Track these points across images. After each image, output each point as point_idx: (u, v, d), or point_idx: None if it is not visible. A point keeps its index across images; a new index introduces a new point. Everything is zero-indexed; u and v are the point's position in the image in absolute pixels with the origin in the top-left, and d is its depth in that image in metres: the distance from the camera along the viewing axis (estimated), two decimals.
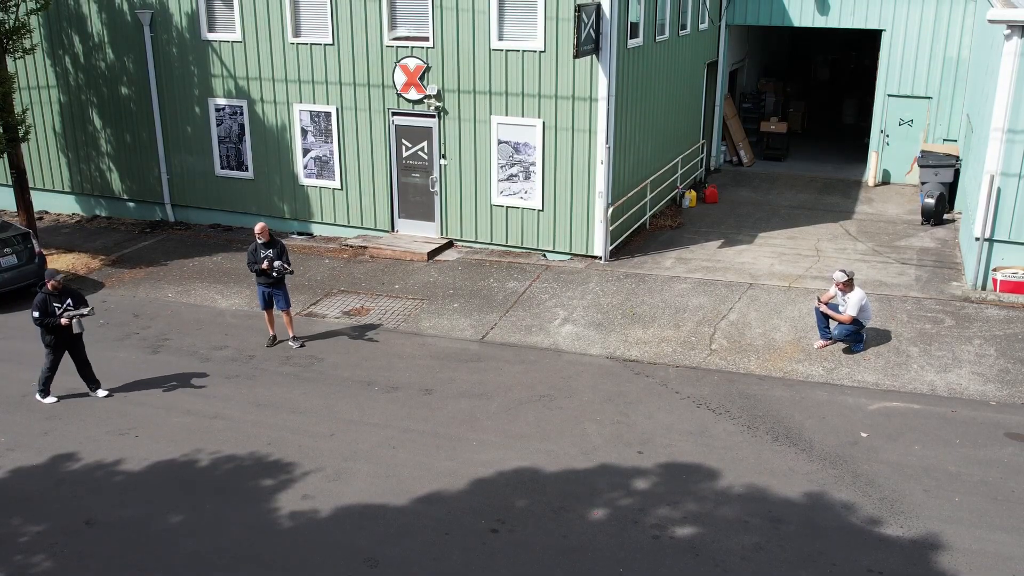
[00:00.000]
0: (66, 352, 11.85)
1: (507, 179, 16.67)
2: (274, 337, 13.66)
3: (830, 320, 12.87)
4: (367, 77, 17.14)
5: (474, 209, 17.12)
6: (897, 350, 12.82)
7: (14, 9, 16.73)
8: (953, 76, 21.00)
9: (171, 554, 8.81)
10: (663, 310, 14.42)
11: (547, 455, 10.36)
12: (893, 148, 22.12)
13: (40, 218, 19.83)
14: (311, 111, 17.83)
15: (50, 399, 11.89)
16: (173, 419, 11.46)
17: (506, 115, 16.35)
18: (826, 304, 12.83)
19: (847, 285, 12.66)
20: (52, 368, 11.83)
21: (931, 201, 18.54)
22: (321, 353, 13.32)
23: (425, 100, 16.79)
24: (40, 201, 20.22)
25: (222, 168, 19.01)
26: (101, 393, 12.05)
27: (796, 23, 22.38)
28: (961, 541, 8.70)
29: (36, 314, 11.40)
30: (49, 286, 11.49)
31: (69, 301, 11.57)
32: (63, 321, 11.41)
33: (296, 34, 17.49)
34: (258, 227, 13.30)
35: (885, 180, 22.39)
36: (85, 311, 11.61)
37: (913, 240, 17.75)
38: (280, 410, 11.63)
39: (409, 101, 16.95)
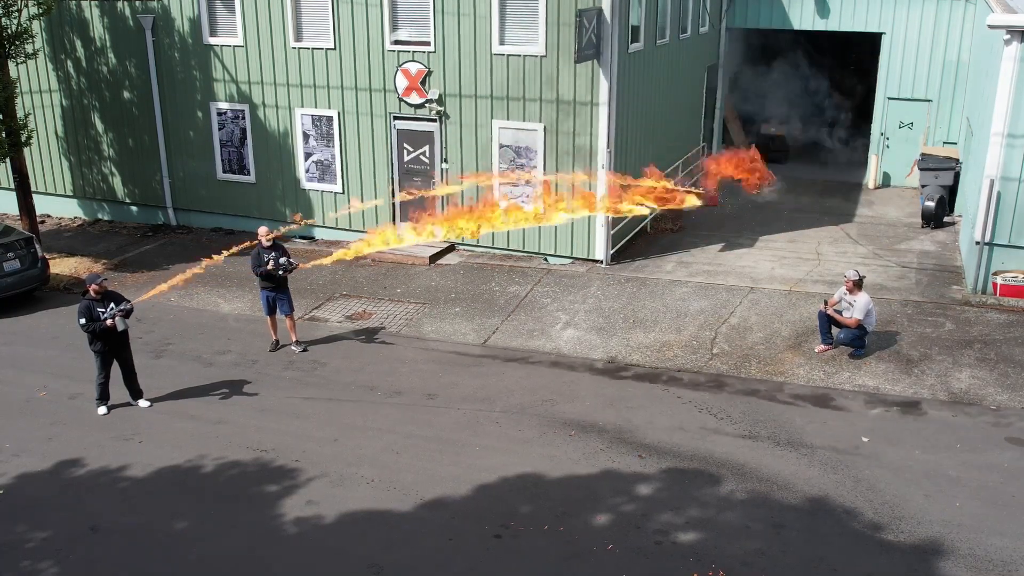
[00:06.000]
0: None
1: (508, 183, 16.71)
2: (277, 342, 13.71)
3: (832, 325, 12.91)
4: (369, 81, 17.19)
5: None
6: (897, 354, 12.86)
7: (16, 14, 16.77)
8: (953, 79, 21.05)
9: (176, 560, 8.86)
10: (664, 314, 14.47)
11: (550, 460, 10.41)
12: (893, 151, 22.17)
13: (42, 222, 19.87)
14: (313, 115, 17.88)
15: (102, 409, 11.84)
16: (177, 424, 11.50)
17: (507, 119, 16.41)
18: (832, 308, 12.87)
19: (856, 286, 12.67)
20: (105, 377, 11.74)
21: (931, 204, 18.59)
22: (324, 358, 13.36)
23: (426, 104, 16.84)
24: (42, 205, 20.25)
25: (224, 172, 19.06)
26: (143, 404, 12.00)
27: (796, 26, 22.45)
28: (962, 546, 8.75)
29: (83, 320, 11.33)
30: (91, 291, 11.42)
31: (112, 305, 11.49)
32: (108, 323, 11.33)
33: (298, 38, 17.54)
34: (261, 231, 13.35)
35: (885, 183, 22.44)
36: (125, 307, 11.49)
37: (913, 243, 17.80)
38: (283, 415, 11.68)
39: (410, 105, 17.00)
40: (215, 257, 12.75)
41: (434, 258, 17.17)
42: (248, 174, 18.85)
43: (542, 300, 15.20)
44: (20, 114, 17.56)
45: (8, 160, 17.26)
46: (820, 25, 22.17)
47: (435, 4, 16.19)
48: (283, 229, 14.03)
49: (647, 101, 17.82)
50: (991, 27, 14.05)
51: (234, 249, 13.13)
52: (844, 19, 21.84)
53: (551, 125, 16.13)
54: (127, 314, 11.50)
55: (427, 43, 16.55)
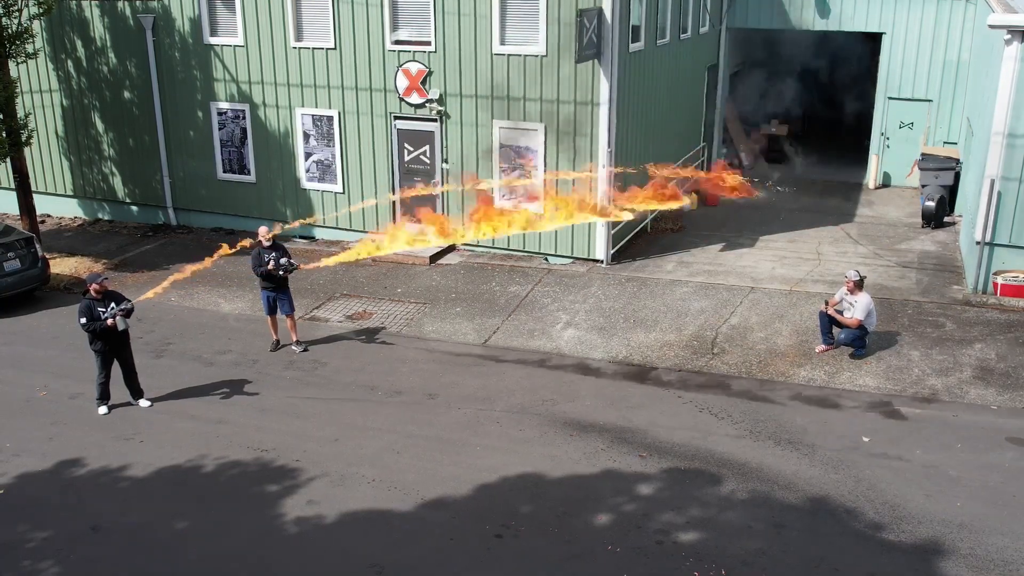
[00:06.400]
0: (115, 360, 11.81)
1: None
2: (277, 341, 13.70)
3: (833, 325, 12.90)
4: (369, 81, 17.18)
5: None
6: (898, 354, 12.86)
7: (17, 14, 16.77)
8: (953, 79, 21.05)
9: (177, 560, 8.85)
10: (665, 314, 14.47)
11: (551, 460, 10.40)
12: (893, 151, 22.17)
13: (42, 222, 19.86)
14: (313, 115, 17.88)
15: (103, 409, 11.82)
16: (177, 424, 11.50)
17: (508, 119, 16.40)
18: (833, 308, 12.86)
19: (857, 286, 12.67)
20: (105, 377, 11.72)
21: (931, 204, 18.59)
22: (324, 357, 13.36)
23: (427, 104, 16.84)
24: (43, 205, 20.24)
25: (224, 172, 19.06)
26: (144, 403, 11.99)
27: (796, 26, 22.43)
28: (963, 546, 8.74)
29: (83, 320, 11.32)
30: (92, 291, 11.40)
31: (112, 304, 11.47)
32: (108, 322, 11.32)
33: (298, 38, 17.54)
34: (261, 231, 13.35)
35: (885, 183, 22.44)
36: (126, 306, 11.48)
37: (914, 243, 17.80)
38: (284, 415, 11.67)
39: (411, 105, 17.00)
40: (228, 249, 12.97)
41: (434, 258, 17.17)
42: (248, 174, 18.85)
43: (543, 300, 15.20)
44: (20, 114, 17.55)
45: (8, 160, 17.26)
46: (820, 25, 22.17)
47: (436, 4, 16.19)
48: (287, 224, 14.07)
49: (647, 101, 17.82)
50: (991, 27, 14.06)
51: (226, 250, 13.14)
52: (844, 19, 21.84)
53: (552, 125, 16.12)
54: (128, 314, 11.50)
55: (428, 43, 16.55)
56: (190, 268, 13.02)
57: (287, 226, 15.31)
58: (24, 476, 10.35)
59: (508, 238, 17.10)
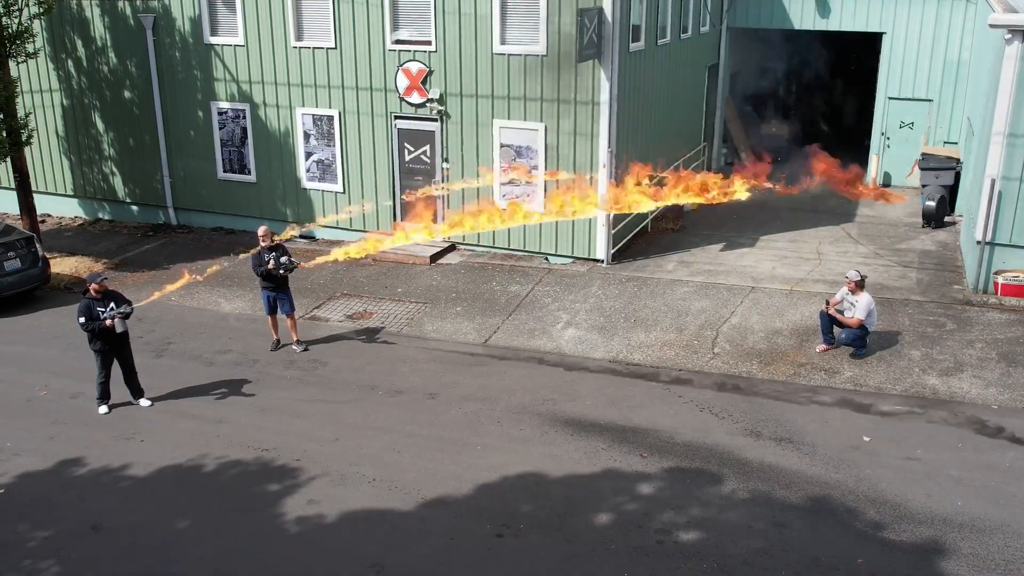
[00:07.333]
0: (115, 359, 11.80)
1: (509, 182, 16.72)
2: (278, 341, 13.70)
3: (834, 325, 12.90)
4: (369, 81, 17.18)
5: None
6: (899, 354, 12.86)
7: (17, 14, 16.77)
8: (954, 79, 21.05)
9: (177, 560, 8.85)
10: (665, 314, 14.47)
11: (551, 459, 10.40)
12: (894, 151, 22.17)
13: (43, 221, 19.87)
14: (313, 115, 17.88)
15: (103, 408, 11.82)
16: (178, 423, 11.49)
17: (508, 119, 16.40)
18: (834, 308, 12.86)
19: (858, 286, 12.68)
20: (105, 376, 11.72)
21: (932, 204, 18.59)
22: (324, 357, 13.36)
23: (427, 104, 16.84)
24: (43, 204, 20.25)
25: (224, 172, 19.06)
26: (144, 403, 11.98)
27: (797, 26, 22.44)
28: (964, 545, 8.73)
29: (82, 320, 11.32)
30: (92, 290, 11.41)
31: (112, 304, 11.48)
32: (107, 323, 11.33)
33: (299, 38, 17.54)
34: (261, 231, 13.34)
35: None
36: (125, 309, 11.49)
37: (914, 243, 17.80)
38: (284, 414, 11.67)
39: (411, 105, 17.00)
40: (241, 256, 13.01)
41: (435, 257, 17.17)
42: (249, 173, 18.85)
43: (543, 300, 15.20)
44: (21, 113, 17.55)
45: (9, 159, 17.26)
46: (821, 25, 22.17)
47: (436, 3, 16.19)
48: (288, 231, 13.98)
49: (648, 101, 17.82)
50: (992, 26, 14.06)
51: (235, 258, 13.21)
52: (844, 19, 21.84)
53: (552, 125, 16.12)
54: (126, 316, 11.50)
55: (428, 42, 16.55)
56: (186, 274, 12.94)
57: (300, 226, 15.28)
58: (25, 475, 10.35)
59: (509, 238, 17.11)
